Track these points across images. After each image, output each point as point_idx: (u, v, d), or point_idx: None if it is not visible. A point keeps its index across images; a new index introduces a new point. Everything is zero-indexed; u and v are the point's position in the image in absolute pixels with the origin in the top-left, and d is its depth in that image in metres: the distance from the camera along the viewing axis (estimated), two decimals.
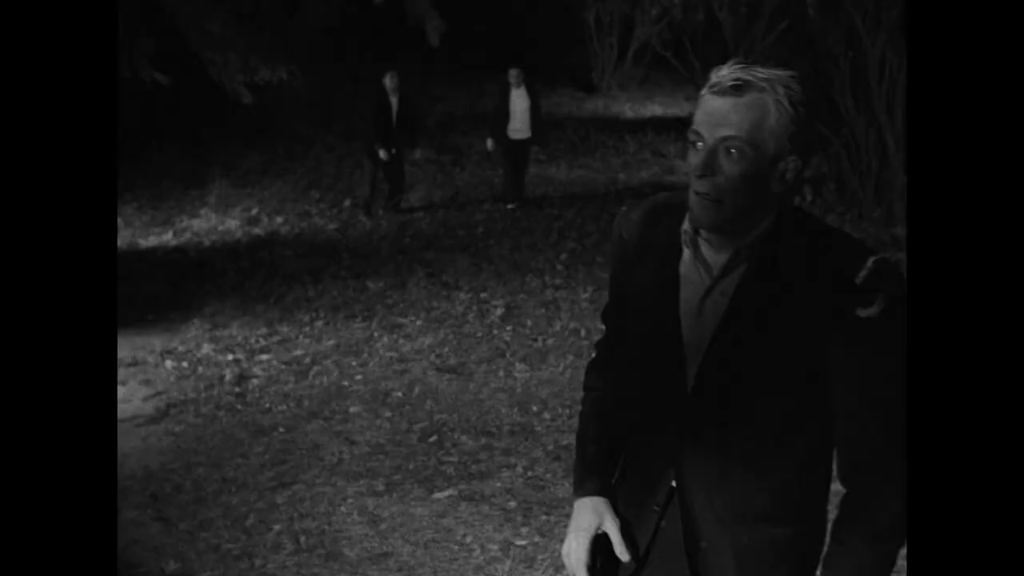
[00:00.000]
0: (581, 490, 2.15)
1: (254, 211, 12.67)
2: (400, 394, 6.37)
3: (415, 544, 4.39)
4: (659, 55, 15.89)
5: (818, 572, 2.02)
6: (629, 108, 17.84)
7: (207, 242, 11.37)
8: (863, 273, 1.80)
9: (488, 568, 4.13)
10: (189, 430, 5.95)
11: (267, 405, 6.28)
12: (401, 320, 8.03)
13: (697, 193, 1.85)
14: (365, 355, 7.21)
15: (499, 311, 8.13)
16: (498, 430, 5.68)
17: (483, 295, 8.61)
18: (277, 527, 4.63)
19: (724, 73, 1.82)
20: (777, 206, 1.90)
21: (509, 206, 11.94)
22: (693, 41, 15.38)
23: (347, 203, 12.68)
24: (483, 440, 5.54)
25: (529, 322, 7.80)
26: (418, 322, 7.96)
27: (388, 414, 6.05)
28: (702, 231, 1.92)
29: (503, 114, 11.89)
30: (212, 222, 12.26)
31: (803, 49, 12.36)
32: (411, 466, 5.26)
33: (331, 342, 7.53)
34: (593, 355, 2.28)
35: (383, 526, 4.58)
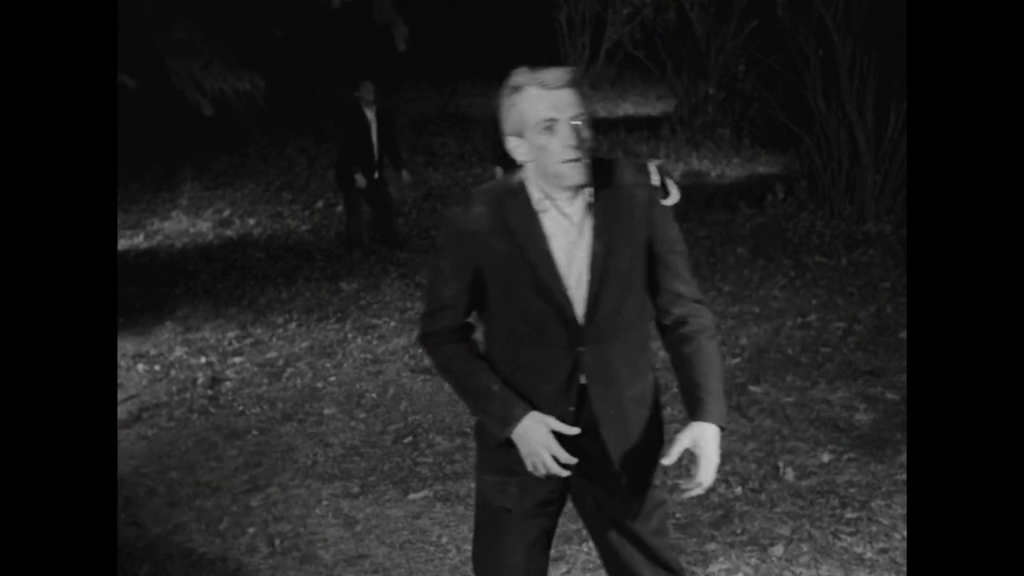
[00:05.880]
0: (515, 417, 2.52)
1: (226, 213, 12.61)
2: (374, 395, 6.35)
3: (390, 545, 4.38)
4: (631, 55, 15.89)
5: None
6: (601, 107, 17.87)
7: (179, 244, 11.31)
8: (654, 175, 2.51)
9: (464, 569, 4.12)
10: (162, 434, 5.91)
11: (240, 408, 6.25)
12: (375, 321, 8.01)
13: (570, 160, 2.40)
14: (339, 356, 7.18)
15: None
16: (472, 430, 5.67)
17: None
18: (252, 530, 4.61)
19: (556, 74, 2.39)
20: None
21: None
22: (664, 40, 15.41)
23: (320, 204, 12.63)
24: (458, 440, 5.52)
25: None
26: (392, 323, 7.93)
27: (362, 415, 6.03)
28: (554, 193, 2.47)
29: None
30: (183, 224, 12.19)
31: (774, 47, 12.42)
32: (386, 467, 5.24)
33: (305, 344, 7.50)
34: (428, 329, 2.64)
35: (358, 528, 4.57)
